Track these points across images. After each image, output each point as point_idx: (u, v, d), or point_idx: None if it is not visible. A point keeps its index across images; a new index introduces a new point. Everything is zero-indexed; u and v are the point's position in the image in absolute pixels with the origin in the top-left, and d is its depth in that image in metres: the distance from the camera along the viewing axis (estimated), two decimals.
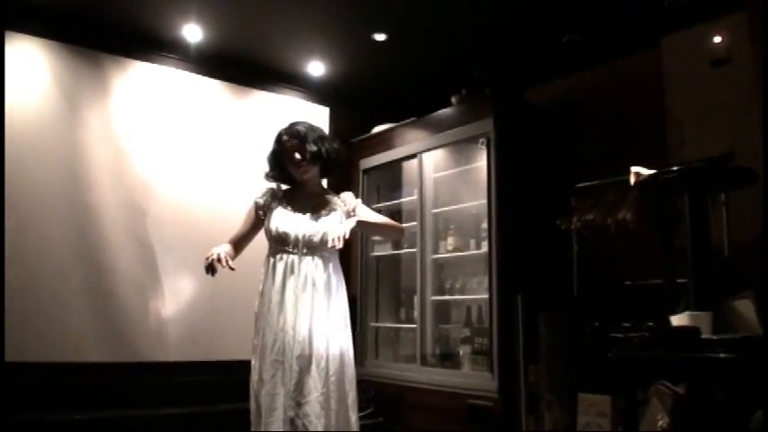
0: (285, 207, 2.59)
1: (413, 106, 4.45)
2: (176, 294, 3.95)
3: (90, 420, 3.38)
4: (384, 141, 4.61)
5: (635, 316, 2.97)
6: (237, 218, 2.67)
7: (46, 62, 3.67)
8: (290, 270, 2.48)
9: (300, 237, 2.50)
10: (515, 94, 4.32)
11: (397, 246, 4.49)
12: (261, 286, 2.53)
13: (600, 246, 3.53)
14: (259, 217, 2.60)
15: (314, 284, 2.48)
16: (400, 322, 4.51)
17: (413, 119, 4.39)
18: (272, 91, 4.60)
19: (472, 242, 4.01)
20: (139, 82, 4.01)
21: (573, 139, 4.15)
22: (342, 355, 2.49)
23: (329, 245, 2.41)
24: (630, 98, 3.86)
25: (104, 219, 3.75)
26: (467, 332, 3.89)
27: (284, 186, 2.69)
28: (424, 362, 4.07)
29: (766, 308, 2.35)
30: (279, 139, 2.62)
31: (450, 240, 4.13)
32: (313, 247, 2.51)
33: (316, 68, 4.47)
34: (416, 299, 4.21)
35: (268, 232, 2.57)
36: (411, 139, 4.38)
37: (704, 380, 2.34)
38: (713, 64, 3.36)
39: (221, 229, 2.79)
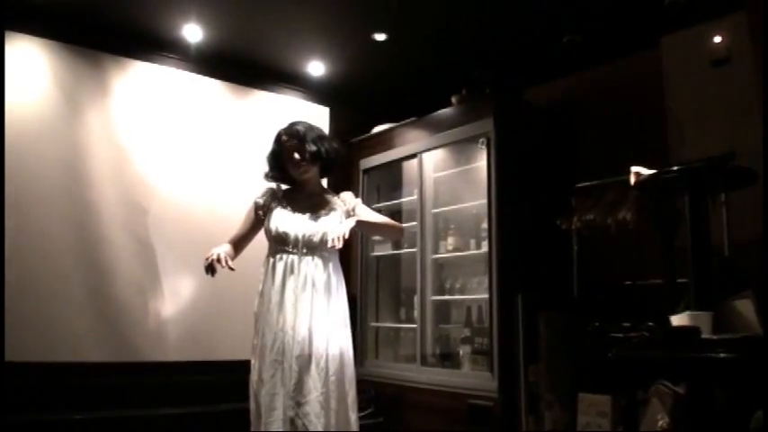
0: (285, 207, 2.59)
1: (413, 106, 4.45)
2: (176, 294, 3.95)
3: (90, 420, 3.38)
4: (384, 141, 4.61)
5: (635, 316, 2.97)
6: (237, 217, 2.67)
7: (46, 62, 3.67)
8: (289, 270, 2.48)
9: (300, 237, 2.50)
10: (515, 94, 4.32)
11: (397, 246, 4.49)
12: (260, 286, 2.53)
13: (600, 246, 3.53)
14: (259, 217, 2.60)
15: (314, 284, 2.48)
16: (400, 322, 4.51)
17: (413, 119, 4.39)
18: (272, 91, 4.60)
19: (472, 242, 4.01)
20: (140, 82, 4.01)
21: (573, 139, 4.15)
22: (341, 355, 2.49)
23: (328, 245, 2.41)
24: (630, 98, 3.86)
25: (104, 218, 3.75)
26: (467, 332, 3.89)
27: (284, 186, 2.69)
28: (424, 362, 4.07)
29: (766, 308, 2.35)
30: (278, 139, 2.62)
31: (451, 240, 4.13)
32: (313, 247, 2.51)
33: (316, 68, 4.47)
34: (416, 299, 4.21)
35: (268, 232, 2.57)
36: (411, 139, 4.38)
37: (704, 380, 2.34)
38: (713, 64, 3.36)
39: (221, 228, 2.80)
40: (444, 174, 4.29)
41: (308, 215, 2.56)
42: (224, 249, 2.45)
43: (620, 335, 2.86)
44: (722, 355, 2.13)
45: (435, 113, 4.20)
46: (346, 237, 2.42)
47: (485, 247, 3.80)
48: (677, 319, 2.35)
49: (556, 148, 4.06)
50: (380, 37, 3.97)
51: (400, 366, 4.30)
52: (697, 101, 3.41)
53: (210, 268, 2.37)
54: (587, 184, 3.55)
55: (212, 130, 4.25)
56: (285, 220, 2.54)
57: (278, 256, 2.51)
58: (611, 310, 3.24)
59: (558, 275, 3.66)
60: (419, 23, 3.81)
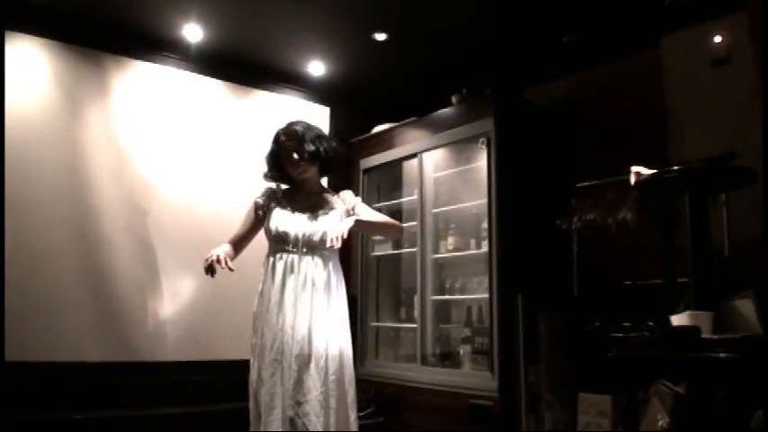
0: (285, 207, 2.59)
1: (413, 106, 4.45)
2: (176, 294, 3.95)
3: (90, 420, 3.38)
4: (384, 141, 4.61)
5: (635, 316, 2.97)
6: (238, 218, 2.67)
7: (46, 62, 3.67)
8: (289, 269, 2.48)
9: (300, 236, 2.51)
10: (515, 94, 4.32)
11: (397, 245, 4.49)
12: (260, 286, 2.53)
13: (600, 246, 3.53)
14: (258, 217, 2.60)
15: (314, 284, 2.48)
16: (400, 322, 4.51)
17: (413, 118, 4.39)
18: (272, 91, 4.60)
19: (472, 242, 4.01)
20: (140, 82, 4.01)
21: (573, 138, 4.14)
22: (341, 355, 2.49)
23: (327, 245, 2.41)
24: (631, 98, 3.86)
25: (105, 219, 3.75)
26: (467, 332, 3.89)
27: (284, 186, 2.69)
28: (424, 361, 4.07)
29: (766, 308, 2.35)
30: (276, 140, 2.62)
31: (451, 240, 4.13)
32: (313, 247, 2.51)
33: (316, 68, 4.47)
34: (417, 298, 4.21)
35: (268, 232, 2.57)
36: (411, 139, 4.38)
37: (704, 379, 2.34)
38: (713, 64, 3.36)
39: (222, 228, 2.80)
40: (444, 173, 4.29)
41: (307, 214, 2.56)
42: (223, 250, 2.45)
43: (621, 335, 2.87)
44: (722, 354, 2.13)
45: (435, 113, 4.20)
46: (345, 237, 2.41)
47: (485, 247, 3.80)
48: (677, 319, 2.35)
49: (556, 147, 4.06)
50: (381, 37, 3.97)
51: (400, 366, 4.30)
52: (697, 101, 3.41)
53: (210, 269, 2.37)
54: (587, 183, 3.55)
55: (213, 130, 4.25)
56: (285, 220, 2.54)
57: (278, 256, 2.51)
58: (612, 309, 3.24)
59: (558, 275, 3.65)
60: (419, 23, 3.81)
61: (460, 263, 4.16)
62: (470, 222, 4.07)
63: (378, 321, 4.60)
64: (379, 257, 4.69)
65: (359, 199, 2.71)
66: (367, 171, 4.74)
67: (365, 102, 4.94)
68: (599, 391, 3.18)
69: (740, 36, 3.19)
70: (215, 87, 4.33)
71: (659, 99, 3.55)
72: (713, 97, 3.33)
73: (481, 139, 3.81)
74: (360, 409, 2.65)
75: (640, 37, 3.67)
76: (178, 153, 4.09)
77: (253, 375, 2.47)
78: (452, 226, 4.17)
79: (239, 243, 2.59)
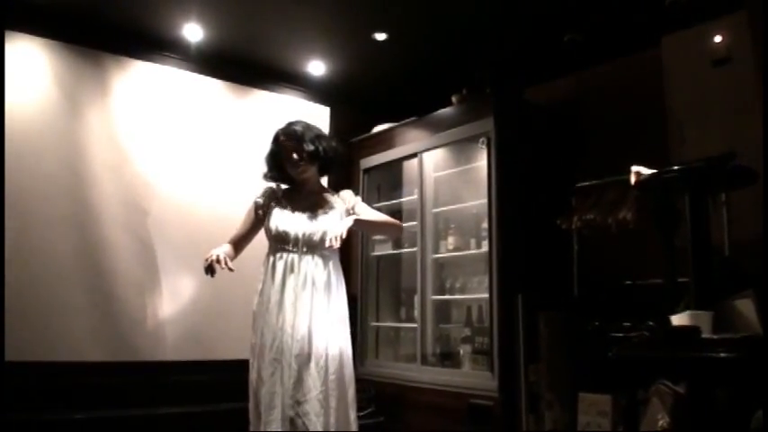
0: (285, 206, 2.59)
1: (413, 106, 4.45)
2: (176, 294, 3.95)
3: (90, 420, 3.38)
4: (384, 141, 4.61)
5: (635, 316, 2.97)
6: (238, 217, 2.67)
7: (46, 62, 3.67)
8: (289, 269, 2.48)
9: (300, 236, 2.51)
10: (516, 94, 4.31)
11: (397, 245, 4.49)
12: (260, 285, 2.54)
13: (600, 246, 3.53)
14: (258, 216, 2.60)
15: (314, 283, 2.48)
16: (401, 322, 4.51)
17: (413, 118, 4.39)
18: (272, 90, 4.60)
19: (472, 242, 4.01)
20: (140, 81, 4.01)
21: (573, 138, 4.14)
22: (341, 354, 2.49)
23: (326, 245, 2.41)
24: (631, 98, 3.86)
25: (105, 218, 3.75)
26: (467, 332, 3.89)
27: (283, 186, 2.69)
28: (424, 361, 4.07)
29: (766, 308, 2.35)
30: (276, 140, 2.62)
31: (451, 240, 4.13)
32: (313, 246, 2.51)
33: (316, 68, 4.47)
34: (417, 298, 4.21)
35: (268, 231, 2.57)
36: (411, 139, 4.38)
37: (705, 379, 2.34)
38: (714, 63, 3.36)
39: (222, 228, 2.80)
40: (444, 173, 4.29)
41: (307, 214, 2.56)
42: (223, 250, 2.45)
43: (621, 334, 2.87)
44: (722, 354, 2.13)
45: (435, 113, 4.20)
46: (344, 236, 2.42)
47: (485, 247, 3.80)
48: (677, 319, 2.35)
49: (556, 147, 4.06)
50: (381, 37, 3.97)
51: (400, 366, 4.29)
52: (697, 101, 3.41)
53: (210, 269, 2.37)
54: (587, 183, 3.55)
55: (213, 130, 4.25)
56: (285, 220, 2.54)
57: (278, 255, 2.51)
58: (612, 309, 3.24)
59: (558, 275, 3.65)
60: (419, 23, 3.81)
61: (460, 263, 4.16)
62: (470, 222, 4.07)
63: (378, 321, 4.60)
64: (379, 257, 4.69)
65: (359, 198, 2.72)
66: (367, 171, 4.74)
67: (365, 102, 4.94)
68: (599, 390, 3.17)
69: (740, 36, 3.19)
70: (215, 87, 4.33)
71: (659, 99, 3.55)
72: (713, 97, 3.33)
73: (481, 139, 3.81)
74: (360, 408, 2.65)
75: (641, 37, 3.67)
76: (178, 153, 4.09)
77: (253, 375, 2.47)
78: (452, 226, 4.17)
79: (239, 243, 2.59)
